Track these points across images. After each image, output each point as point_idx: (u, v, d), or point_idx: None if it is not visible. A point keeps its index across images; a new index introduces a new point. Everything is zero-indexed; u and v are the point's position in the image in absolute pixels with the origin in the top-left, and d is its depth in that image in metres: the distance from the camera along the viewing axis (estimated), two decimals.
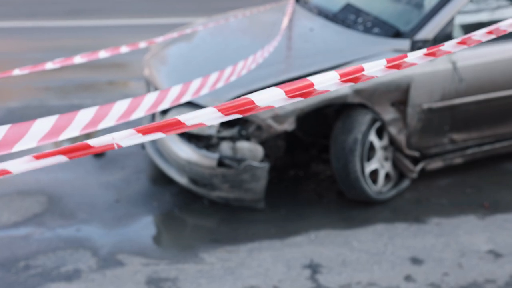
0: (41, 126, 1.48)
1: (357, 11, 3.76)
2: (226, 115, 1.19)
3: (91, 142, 1.08)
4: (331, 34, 3.65)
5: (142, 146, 4.01)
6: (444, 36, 3.31)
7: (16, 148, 1.43)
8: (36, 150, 3.90)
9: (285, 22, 3.75)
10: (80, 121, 1.57)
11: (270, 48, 3.18)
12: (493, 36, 1.51)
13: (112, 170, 3.74)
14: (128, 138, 1.11)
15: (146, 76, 3.78)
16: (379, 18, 3.59)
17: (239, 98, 1.21)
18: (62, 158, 1.07)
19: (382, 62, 1.33)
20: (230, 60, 3.40)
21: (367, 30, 3.53)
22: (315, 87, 1.25)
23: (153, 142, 3.60)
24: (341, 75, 1.28)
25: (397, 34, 3.39)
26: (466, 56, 3.35)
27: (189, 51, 3.84)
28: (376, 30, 3.49)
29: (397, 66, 1.35)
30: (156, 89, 3.51)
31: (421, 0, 3.64)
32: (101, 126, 1.65)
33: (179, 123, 1.16)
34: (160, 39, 3.33)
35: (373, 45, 3.36)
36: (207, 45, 3.85)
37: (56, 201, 3.38)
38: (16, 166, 1.08)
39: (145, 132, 1.12)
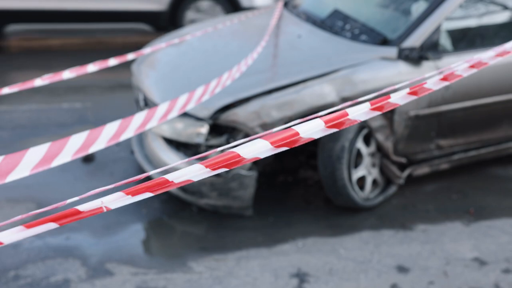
0: (34, 155, 1.50)
1: (345, 18, 3.78)
2: (213, 169, 1.22)
3: (81, 207, 1.11)
4: (318, 41, 3.66)
5: (131, 151, 4.02)
6: (431, 43, 3.34)
7: (10, 178, 1.45)
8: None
9: (270, 28, 3.77)
10: (72, 146, 1.59)
11: (254, 55, 3.20)
12: (474, 70, 1.54)
13: (101, 175, 3.75)
14: (117, 201, 1.14)
15: (135, 83, 3.79)
16: (366, 25, 3.61)
17: (225, 153, 1.24)
18: (52, 225, 1.10)
19: (366, 105, 1.38)
20: (218, 66, 3.42)
21: (355, 37, 3.55)
22: (301, 135, 1.29)
23: (142, 148, 3.61)
24: (326, 122, 1.32)
25: (384, 41, 3.41)
26: (453, 63, 3.38)
27: (177, 57, 3.85)
28: (363, 37, 3.51)
29: (380, 108, 1.38)
30: (144, 96, 3.52)
31: (409, 7, 3.67)
32: (92, 149, 1.67)
33: (167, 182, 1.18)
34: (147, 50, 3.34)
35: (361, 53, 3.38)
36: (196, 52, 3.85)
37: None
38: (7, 237, 1.11)
39: (134, 193, 1.15)
